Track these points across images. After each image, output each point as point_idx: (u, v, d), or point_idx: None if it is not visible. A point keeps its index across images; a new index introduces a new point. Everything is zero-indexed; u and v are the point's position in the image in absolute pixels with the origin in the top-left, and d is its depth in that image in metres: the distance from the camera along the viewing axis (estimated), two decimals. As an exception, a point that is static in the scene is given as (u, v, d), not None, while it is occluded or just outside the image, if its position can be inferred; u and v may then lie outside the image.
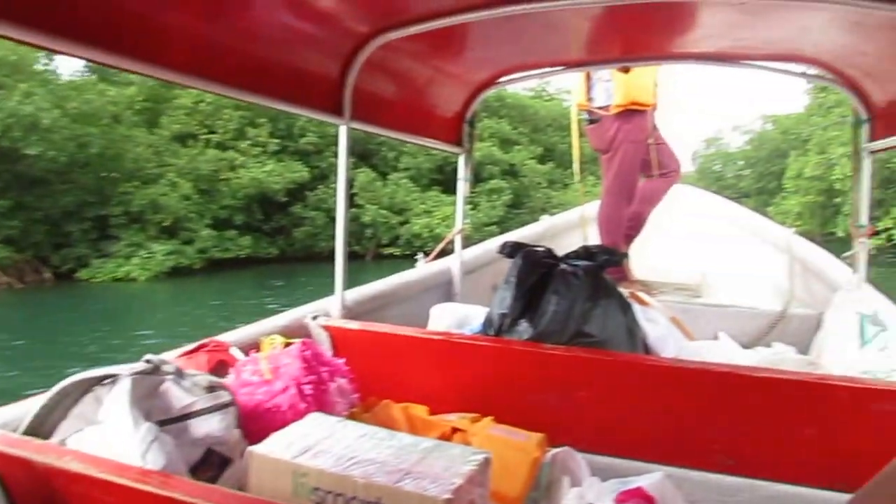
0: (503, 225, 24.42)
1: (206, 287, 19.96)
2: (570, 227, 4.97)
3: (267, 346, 2.02)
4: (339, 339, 2.52)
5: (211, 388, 1.55)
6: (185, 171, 22.20)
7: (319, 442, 1.36)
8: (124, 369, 1.46)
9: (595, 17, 2.50)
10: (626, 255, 3.16)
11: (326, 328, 2.54)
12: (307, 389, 1.81)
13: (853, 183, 3.06)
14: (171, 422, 1.43)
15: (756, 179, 35.38)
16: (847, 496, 0.90)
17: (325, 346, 2.48)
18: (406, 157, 27.01)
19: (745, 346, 3.27)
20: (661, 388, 2.14)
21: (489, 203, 26.10)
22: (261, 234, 24.64)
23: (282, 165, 24.44)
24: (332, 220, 23.82)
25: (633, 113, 3.88)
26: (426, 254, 3.76)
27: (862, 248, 3.02)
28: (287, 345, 2.00)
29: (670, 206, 4.80)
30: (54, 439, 1.45)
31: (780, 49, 2.76)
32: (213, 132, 23.96)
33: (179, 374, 1.52)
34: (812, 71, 2.96)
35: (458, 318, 3.07)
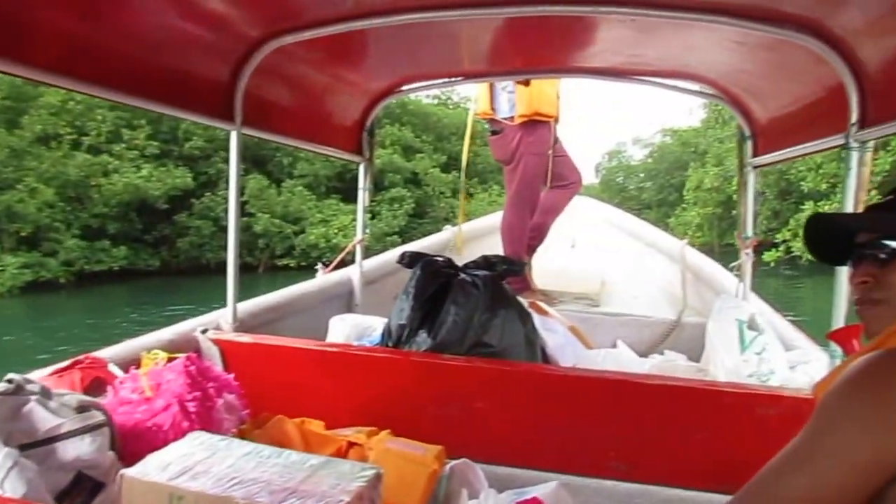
0: (405, 235, 24.00)
1: (72, 303, 18.55)
2: (475, 237, 5.04)
3: (148, 361, 1.93)
4: (231, 353, 2.44)
5: (81, 409, 1.46)
6: (49, 175, 20.37)
7: (200, 462, 1.31)
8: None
9: (495, 28, 2.54)
10: (525, 265, 3.22)
11: (217, 342, 2.45)
12: (191, 407, 1.74)
13: (739, 196, 3.25)
14: (34, 445, 1.33)
15: (657, 191, 36.10)
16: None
17: (215, 361, 2.40)
18: (302, 164, 26.07)
19: (642, 353, 3.40)
20: (557, 397, 2.19)
21: (391, 212, 25.20)
22: (140, 244, 22.93)
23: (162, 171, 23.01)
24: (221, 229, 20.48)
25: (537, 124, 3.96)
26: (325, 264, 3.71)
27: (747, 258, 3.20)
28: (171, 360, 1.91)
29: (572, 216, 4.94)
30: None
31: (671, 66, 2.89)
32: (83, 134, 22.09)
33: (45, 393, 1.42)
34: (701, 88, 3.13)
35: (358, 329, 3.04)
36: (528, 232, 4.15)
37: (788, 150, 2.66)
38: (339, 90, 3.02)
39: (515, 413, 2.21)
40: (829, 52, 1.94)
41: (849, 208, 2.04)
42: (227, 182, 2.58)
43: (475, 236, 5.21)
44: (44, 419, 1.37)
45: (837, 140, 2.07)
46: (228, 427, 1.86)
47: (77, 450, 1.38)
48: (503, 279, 2.57)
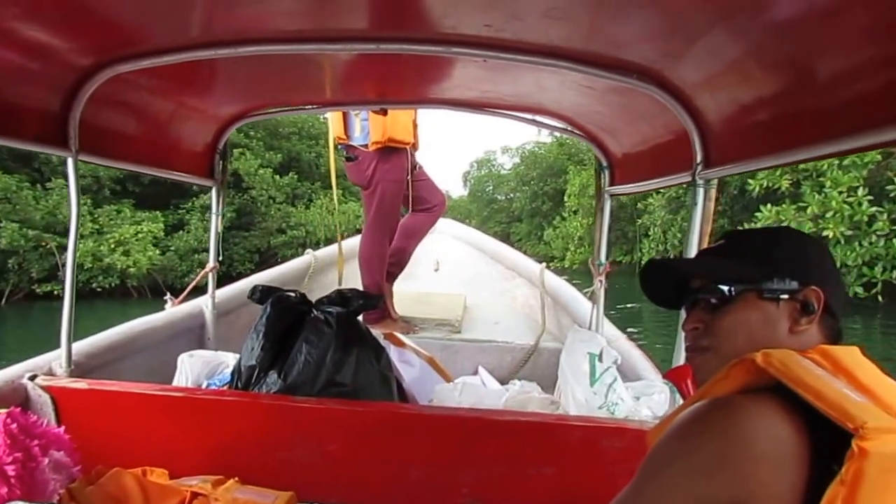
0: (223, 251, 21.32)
1: None
2: (334, 264, 5.03)
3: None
4: (65, 401, 2.34)
5: None
6: None
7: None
8: None
9: (348, 61, 2.58)
10: (381, 298, 3.27)
11: (48, 389, 2.34)
12: (10, 471, 1.66)
13: (595, 223, 3.46)
14: None
15: (530, 200, 34.59)
16: None
17: (45, 412, 2.29)
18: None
19: (502, 379, 3.55)
20: (411, 436, 2.26)
21: (203, 223, 20.28)
22: None
23: None
24: None
25: (392, 150, 4.04)
26: (175, 294, 3.60)
27: (600, 285, 3.41)
28: (-14, 417, 1.82)
29: (435, 238, 5.05)
30: None
31: (526, 102, 3.05)
32: None
33: None
34: (557, 123, 3.31)
35: (210, 367, 3.00)
36: (387, 258, 4.21)
37: (642, 182, 2.85)
38: (186, 116, 2.96)
39: (368, 453, 2.25)
40: (671, 100, 2.10)
41: (694, 242, 2.19)
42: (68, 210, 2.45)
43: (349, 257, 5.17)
44: None
45: (685, 177, 2.26)
46: (56, 488, 1.79)
47: None
48: (358, 315, 2.62)
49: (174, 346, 3.20)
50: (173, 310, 3.50)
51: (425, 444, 2.25)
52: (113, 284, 18.94)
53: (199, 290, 3.69)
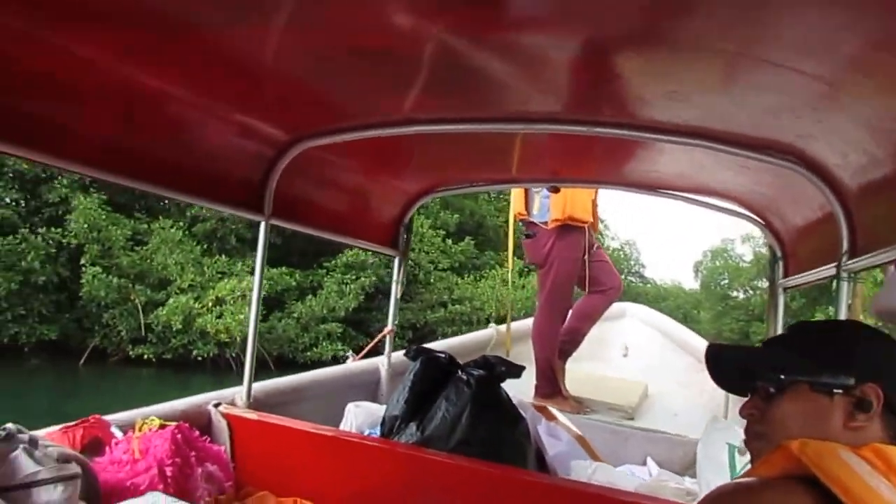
0: (354, 322, 18.18)
1: None
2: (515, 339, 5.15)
3: (143, 426, 2.22)
4: (238, 428, 2.70)
5: (62, 460, 1.75)
6: None
7: (144, 519, 1.56)
8: (-26, 436, 1.67)
9: (529, 140, 2.73)
10: (523, 369, 3.36)
11: (226, 416, 2.72)
12: (168, 471, 2.00)
13: (767, 315, 3.30)
14: (12, 489, 1.62)
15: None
16: None
17: (221, 435, 2.67)
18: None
19: (677, 473, 3.41)
20: (534, 502, 2.29)
21: (339, 286, 18.14)
22: None
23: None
24: (25, 288, 15.01)
25: (570, 229, 4.16)
26: (356, 352, 3.97)
27: None
28: (162, 427, 2.20)
29: (625, 325, 5.01)
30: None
31: (691, 183, 3.05)
32: None
33: (33, 443, 1.72)
34: (729, 206, 3.24)
35: (374, 418, 3.24)
36: (559, 336, 4.28)
37: (814, 271, 2.62)
38: (373, 189, 3.33)
39: None
40: (815, 179, 2.04)
41: None
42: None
43: (521, 336, 5.31)
44: (25, 466, 1.66)
45: (829, 270, 2.15)
46: (203, 495, 2.10)
47: (49, 496, 1.66)
48: (501, 381, 2.75)
49: (348, 397, 3.48)
50: (351, 364, 3.85)
51: None
52: (211, 354, 16.31)
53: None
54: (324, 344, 17.62)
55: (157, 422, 2.22)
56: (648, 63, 1.70)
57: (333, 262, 18.91)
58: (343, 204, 3.25)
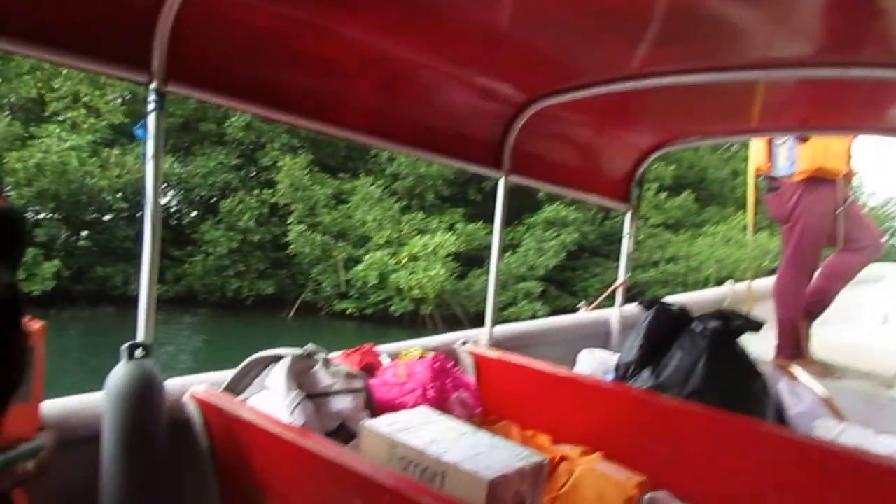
0: (556, 279, 18.05)
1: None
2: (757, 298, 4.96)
3: (407, 355, 2.57)
4: (482, 364, 3.01)
5: (349, 377, 2.11)
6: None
7: (416, 427, 1.86)
8: (288, 352, 2.07)
9: (774, 88, 2.72)
10: (763, 324, 3.23)
11: (472, 353, 3.03)
12: (430, 393, 2.33)
13: None
14: (315, 396, 2.01)
15: None
16: None
17: (467, 368, 2.98)
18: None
19: None
20: (770, 457, 2.30)
21: (538, 243, 17.78)
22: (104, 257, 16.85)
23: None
24: (244, 246, 16.46)
25: (819, 182, 3.90)
26: (588, 302, 4.12)
27: None
28: (422, 357, 2.53)
29: (883, 289, 4.62)
30: (240, 397, 2.09)
31: None
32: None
33: (326, 362, 2.11)
34: None
35: (605, 366, 3.39)
36: (804, 297, 4.08)
37: None
38: (606, 144, 3.44)
39: (725, 461, 2.37)
40: None
41: None
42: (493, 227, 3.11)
43: (759, 296, 5.11)
44: (322, 378, 2.05)
45: None
46: (457, 417, 2.40)
47: (341, 404, 2.03)
48: (738, 335, 2.75)
49: (580, 344, 3.66)
50: (582, 314, 4.02)
51: (785, 469, 2.26)
52: (407, 310, 16.99)
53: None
54: (522, 303, 17.39)
55: (419, 351, 2.56)
56: None
57: (533, 217, 18.71)
58: (576, 159, 3.39)
